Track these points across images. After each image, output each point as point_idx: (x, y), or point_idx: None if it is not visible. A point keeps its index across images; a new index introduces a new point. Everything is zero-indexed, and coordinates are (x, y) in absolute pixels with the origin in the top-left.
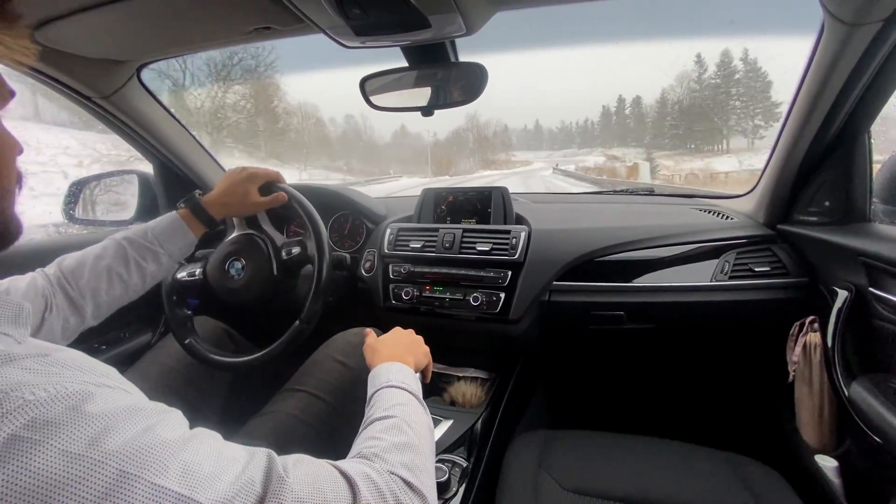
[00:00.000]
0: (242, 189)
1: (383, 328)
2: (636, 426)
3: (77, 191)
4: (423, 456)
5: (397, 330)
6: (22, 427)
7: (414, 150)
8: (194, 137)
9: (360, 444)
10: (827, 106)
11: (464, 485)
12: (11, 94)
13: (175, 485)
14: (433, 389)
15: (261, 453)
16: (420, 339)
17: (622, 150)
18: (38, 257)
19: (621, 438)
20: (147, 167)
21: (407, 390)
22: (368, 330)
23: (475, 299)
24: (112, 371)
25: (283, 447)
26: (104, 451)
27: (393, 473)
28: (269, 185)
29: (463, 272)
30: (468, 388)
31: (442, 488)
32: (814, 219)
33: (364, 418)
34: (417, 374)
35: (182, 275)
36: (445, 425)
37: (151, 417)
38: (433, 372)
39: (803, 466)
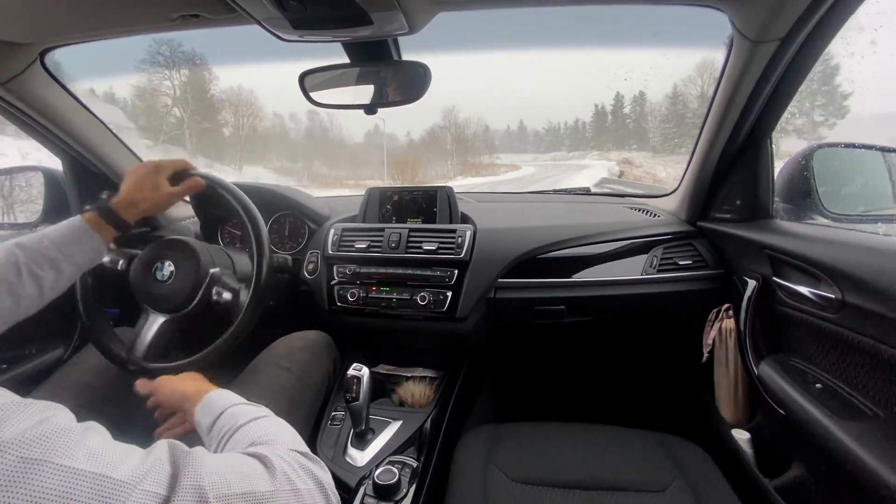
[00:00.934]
0: (150, 182)
1: (328, 330)
2: (578, 414)
3: None
4: (299, 436)
5: (171, 386)
6: None
7: (384, 152)
8: (110, 129)
9: (242, 441)
10: (737, 114)
11: (414, 485)
12: None
13: (85, 465)
14: (381, 391)
15: (161, 443)
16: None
17: (623, 154)
18: None
19: (565, 427)
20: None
21: (250, 405)
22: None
23: (422, 298)
24: None
25: None
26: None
27: (291, 450)
28: (180, 173)
29: (410, 272)
30: (416, 387)
31: (392, 490)
32: (727, 216)
33: (217, 436)
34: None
35: (106, 259)
36: (395, 427)
37: (44, 411)
38: (382, 373)
39: (722, 440)
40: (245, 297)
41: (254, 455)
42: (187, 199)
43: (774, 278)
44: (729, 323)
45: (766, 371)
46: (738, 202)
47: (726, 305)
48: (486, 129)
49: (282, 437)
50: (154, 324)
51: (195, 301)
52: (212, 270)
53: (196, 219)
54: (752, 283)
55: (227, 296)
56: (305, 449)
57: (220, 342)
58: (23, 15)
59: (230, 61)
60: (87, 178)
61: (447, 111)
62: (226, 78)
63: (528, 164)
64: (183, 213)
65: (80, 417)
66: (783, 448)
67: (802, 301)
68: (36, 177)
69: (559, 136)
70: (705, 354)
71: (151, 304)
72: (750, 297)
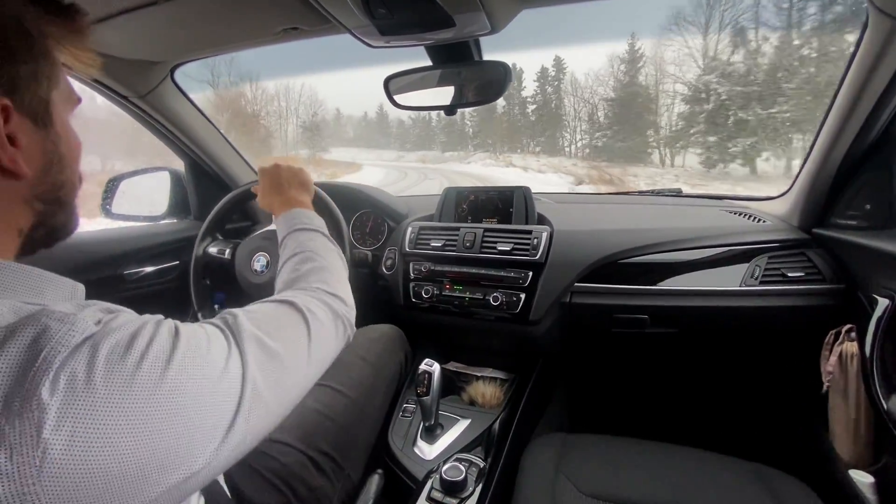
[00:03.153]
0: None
1: (401, 325)
2: (658, 433)
3: (113, 187)
4: (334, 273)
5: (277, 167)
6: None
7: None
8: (224, 137)
9: (283, 281)
10: (869, 105)
11: (480, 485)
12: (78, 100)
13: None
14: (452, 388)
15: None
16: (298, 168)
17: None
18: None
19: (642, 444)
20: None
21: (311, 229)
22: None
23: (495, 299)
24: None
25: (307, 441)
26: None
27: (317, 288)
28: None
29: (483, 272)
30: (487, 388)
31: (459, 486)
32: (853, 223)
33: (282, 257)
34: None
35: (213, 249)
36: (463, 424)
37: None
38: (452, 371)
39: (836, 481)
40: None
41: (283, 301)
42: None
43: None
44: (851, 346)
45: None
46: (867, 207)
47: (848, 326)
48: (336, 113)
49: (316, 275)
50: None
51: None
52: None
53: None
54: (883, 303)
55: None
56: (330, 287)
57: None
58: (158, 39)
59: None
60: (204, 179)
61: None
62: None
63: (375, 163)
64: None
65: None
66: None
67: None
68: (164, 176)
69: (432, 130)
70: (825, 384)
71: (250, 293)
72: (881, 318)
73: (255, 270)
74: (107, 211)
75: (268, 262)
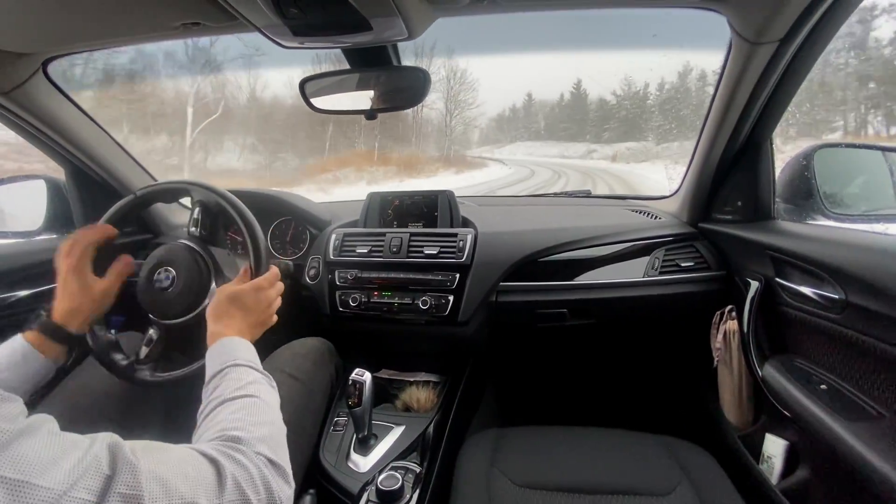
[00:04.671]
0: (77, 284)
1: (329, 336)
2: (582, 418)
3: None
4: (280, 434)
5: (257, 293)
6: None
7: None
8: (113, 139)
9: (216, 425)
10: (736, 115)
11: (417, 490)
12: None
13: (8, 472)
14: (385, 396)
15: (102, 436)
16: (275, 303)
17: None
18: None
19: (568, 431)
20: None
21: (255, 369)
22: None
23: (424, 303)
24: None
25: None
26: None
27: (258, 454)
28: (102, 250)
29: (411, 276)
30: (420, 392)
31: (396, 495)
32: (728, 217)
33: (208, 398)
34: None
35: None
36: (397, 432)
37: None
38: (384, 378)
39: (727, 443)
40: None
41: (209, 458)
42: (187, 204)
43: (777, 279)
44: (732, 324)
45: (771, 372)
46: (739, 203)
47: (729, 307)
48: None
49: (258, 432)
50: (158, 331)
51: (199, 307)
52: (214, 277)
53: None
54: (754, 285)
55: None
56: (275, 456)
57: None
58: (25, 25)
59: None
60: (90, 187)
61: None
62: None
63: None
64: (184, 219)
65: (91, 427)
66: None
67: (806, 302)
68: (38, 185)
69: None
70: (716, 359)
71: (154, 312)
72: (753, 299)
73: (161, 287)
74: None
75: (173, 277)
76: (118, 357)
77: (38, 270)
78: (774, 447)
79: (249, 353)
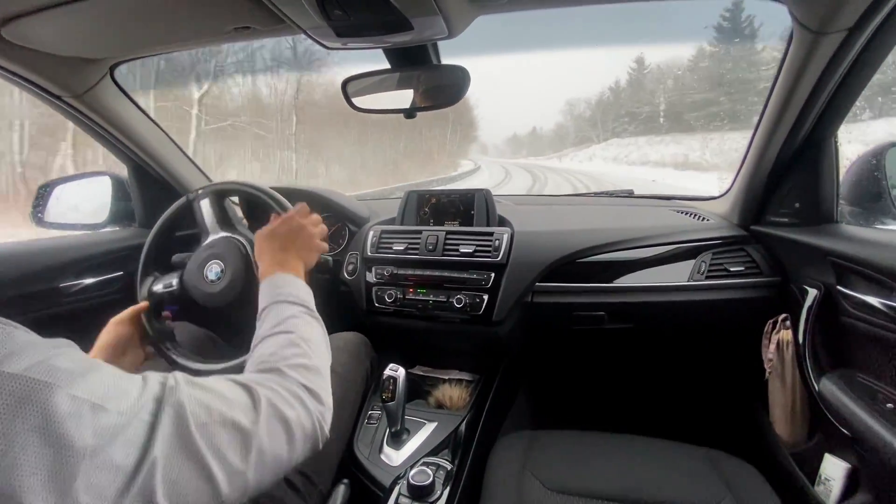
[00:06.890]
0: (124, 345)
1: (365, 331)
2: (618, 425)
3: (45, 193)
4: (316, 363)
5: (288, 223)
6: None
7: None
8: (171, 139)
9: (253, 362)
10: (796, 111)
11: (448, 487)
12: None
13: (86, 395)
14: (418, 392)
15: (152, 377)
16: (312, 230)
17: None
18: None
19: (604, 437)
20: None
21: (297, 303)
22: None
23: (458, 301)
24: None
25: None
26: (12, 370)
27: (290, 378)
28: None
29: (446, 274)
30: (453, 390)
31: (426, 491)
32: (785, 220)
33: (256, 334)
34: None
35: (158, 287)
36: (430, 428)
37: (53, 349)
38: (418, 374)
39: (777, 460)
40: None
41: (240, 384)
42: (236, 201)
43: (839, 287)
44: (786, 334)
45: (829, 387)
46: (797, 205)
47: (783, 316)
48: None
49: (289, 362)
50: (208, 321)
51: (245, 298)
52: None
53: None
54: (812, 293)
55: None
56: (308, 382)
57: None
58: (97, 34)
59: None
60: (149, 183)
61: None
62: None
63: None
64: (236, 215)
65: None
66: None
67: (871, 312)
68: (104, 181)
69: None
70: (767, 370)
71: (205, 303)
72: (810, 308)
73: (210, 280)
74: (38, 219)
75: (222, 269)
76: (171, 346)
77: (104, 260)
78: (834, 469)
79: (291, 287)
